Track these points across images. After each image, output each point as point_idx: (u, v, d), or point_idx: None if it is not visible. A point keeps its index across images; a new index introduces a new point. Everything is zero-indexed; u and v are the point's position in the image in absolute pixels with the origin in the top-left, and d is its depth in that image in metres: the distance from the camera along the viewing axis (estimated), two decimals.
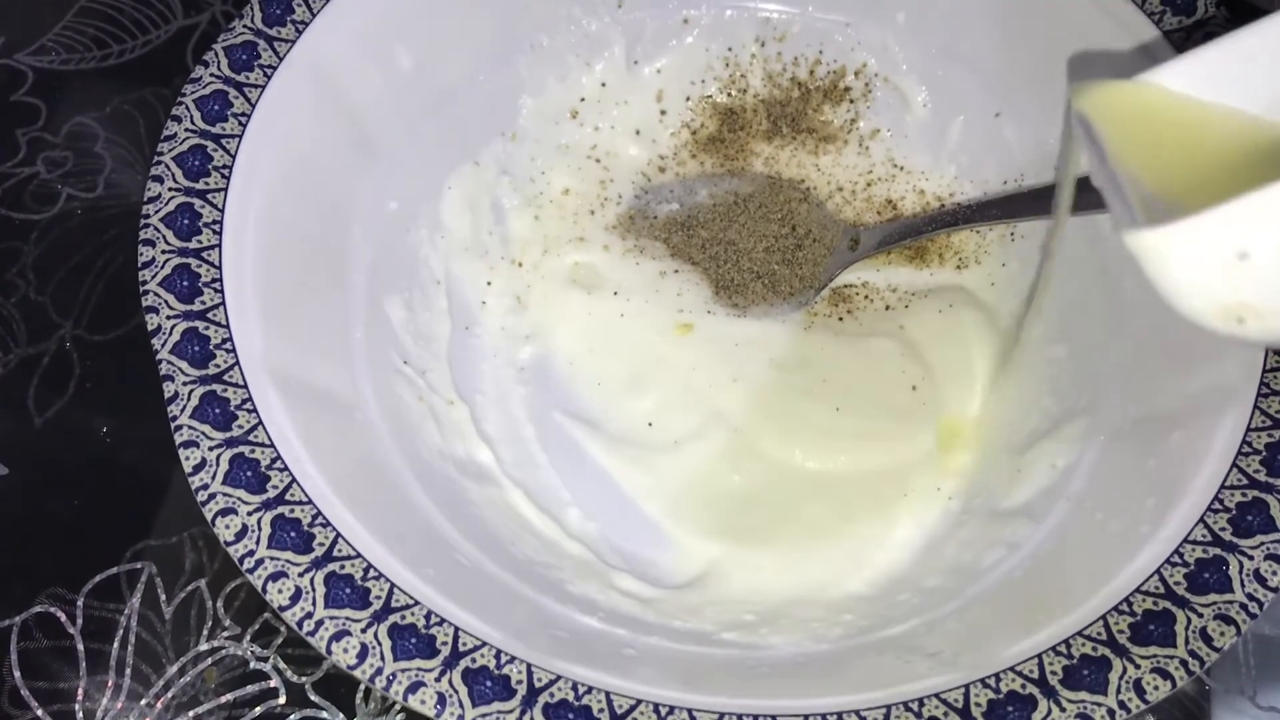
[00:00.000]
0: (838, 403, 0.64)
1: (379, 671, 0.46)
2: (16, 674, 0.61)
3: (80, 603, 0.63)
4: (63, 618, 0.62)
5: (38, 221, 0.75)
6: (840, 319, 0.68)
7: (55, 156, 0.77)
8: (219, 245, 0.55)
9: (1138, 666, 0.46)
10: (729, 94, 0.74)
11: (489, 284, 0.69)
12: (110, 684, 0.61)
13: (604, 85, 0.72)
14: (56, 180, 0.76)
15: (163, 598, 0.63)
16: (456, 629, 0.47)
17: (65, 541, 0.65)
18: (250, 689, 0.60)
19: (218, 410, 0.51)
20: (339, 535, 0.49)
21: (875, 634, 0.54)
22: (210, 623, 0.62)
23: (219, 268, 0.54)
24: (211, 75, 0.58)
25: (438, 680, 0.46)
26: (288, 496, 0.49)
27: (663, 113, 0.74)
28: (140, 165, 0.76)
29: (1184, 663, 0.46)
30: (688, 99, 0.74)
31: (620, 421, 0.65)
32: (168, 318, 0.53)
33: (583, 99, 0.72)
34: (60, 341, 0.70)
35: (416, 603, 0.48)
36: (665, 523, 0.62)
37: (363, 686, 0.59)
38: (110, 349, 0.70)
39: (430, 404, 0.63)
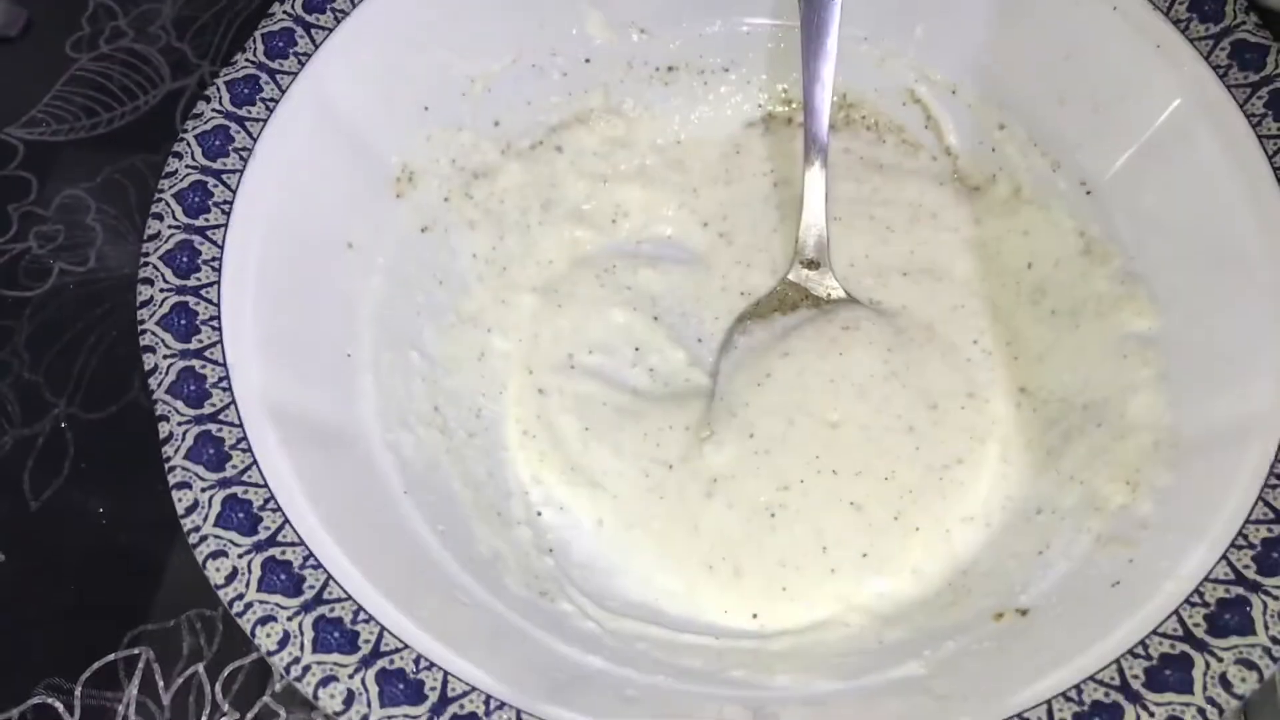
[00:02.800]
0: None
1: (365, 718, 0.45)
2: None
3: (78, 692, 0.62)
4: (60, 708, 0.62)
5: (30, 298, 0.75)
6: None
7: (47, 231, 0.77)
8: (218, 282, 0.55)
9: (1152, 715, 0.44)
10: None
11: (504, 302, 0.69)
12: None
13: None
14: (48, 255, 0.76)
15: (160, 684, 0.62)
16: (446, 674, 0.47)
17: (63, 628, 0.65)
18: None
19: (212, 450, 0.50)
20: (330, 577, 0.48)
21: (884, 674, 0.52)
22: (209, 708, 0.62)
23: (218, 305, 0.54)
24: (213, 110, 0.58)
25: None
26: (280, 538, 0.49)
27: None
28: (132, 236, 0.76)
29: (1201, 711, 0.44)
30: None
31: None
32: (164, 357, 0.52)
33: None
34: (55, 421, 0.70)
35: (406, 646, 0.47)
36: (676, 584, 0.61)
37: None
38: (105, 427, 0.70)
39: (449, 435, 0.63)
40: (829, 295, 0.68)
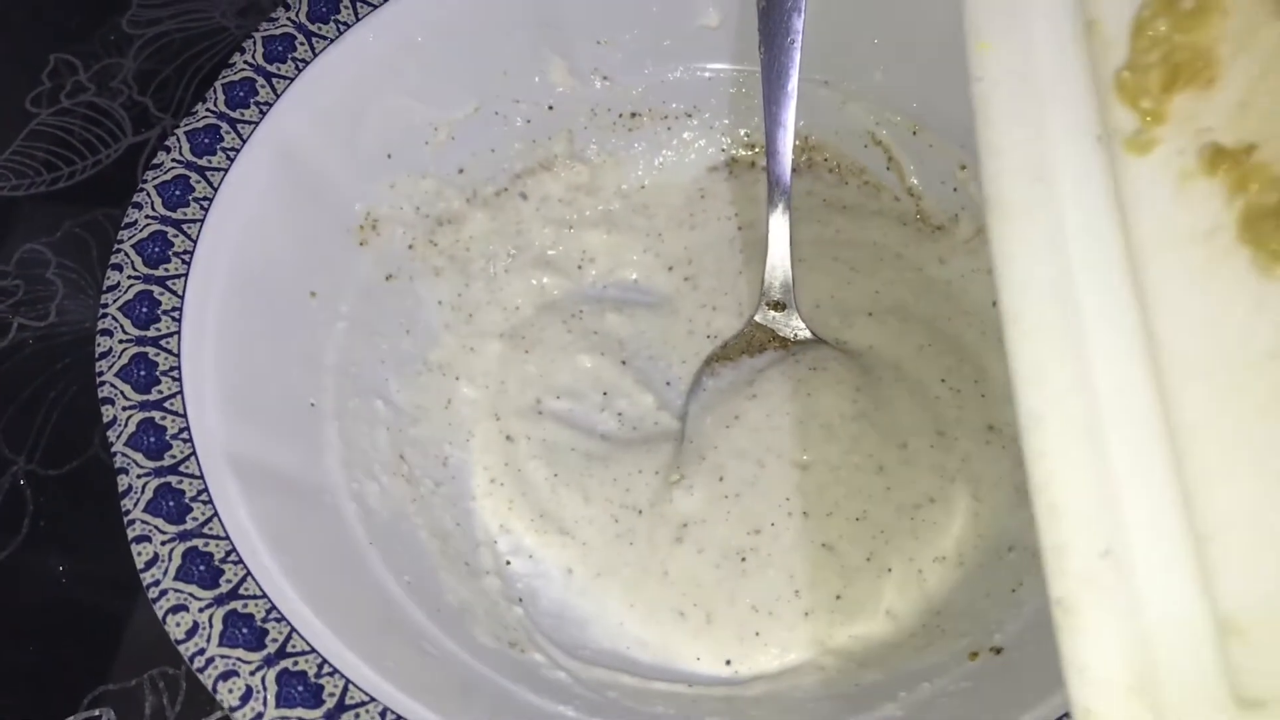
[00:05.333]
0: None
1: None
2: None
3: None
4: None
5: None
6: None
7: (6, 286, 0.76)
8: (178, 332, 0.54)
9: None
10: None
11: (471, 349, 0.68)
12: None
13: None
14: (8, 310, 0.75)
15: None
16: None
17: (22, 690, 0.63)
18: None
19: (172, 503, 0.50)
20: (294, 630, 0.47)
21: (860, 717, 0.52)
22: None
23: (178, 355, 0.53)
24: (173, 160, 0.58)
25: None
26: (242, 591, 0.48)
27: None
28: (92, 290, 0.76)
29: None
30: None
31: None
32: (124, 409, 0.52)
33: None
34: (14, 478, 0.69)
35: (373, 699, 0.46)
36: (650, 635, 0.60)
37: None
38: (65, 483, 0.69)
39: (415, 484, 0.62)
40: (795, 336, 0.67)
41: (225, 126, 0.59)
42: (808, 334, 0.67)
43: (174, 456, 0.51)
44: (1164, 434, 0.37)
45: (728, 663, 0.58)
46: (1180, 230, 0.40)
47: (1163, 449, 0.37)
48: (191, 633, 0.47)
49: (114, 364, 0.53)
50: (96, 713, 0.62)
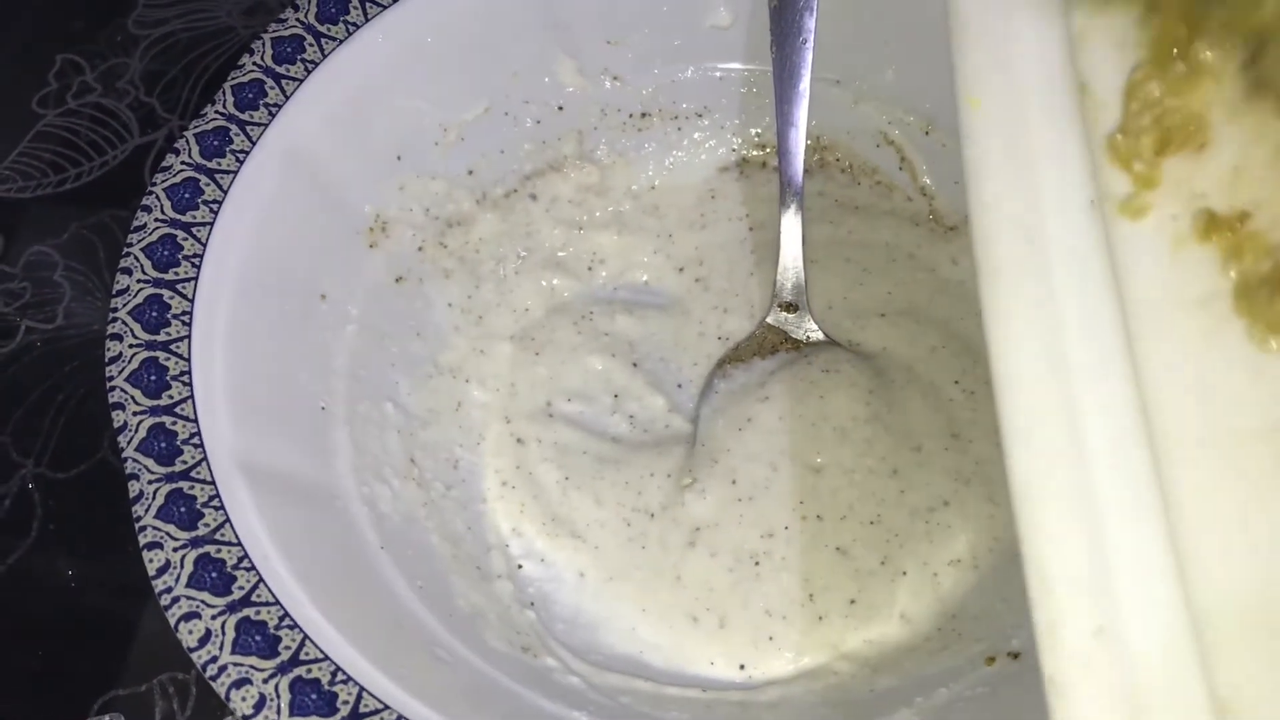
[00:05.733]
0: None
1: None
2: None
3: None
4: None
5: None
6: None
7: (14, 288, 0.76)
8: (188, 336, 0.54)
9: None
10: None
11: (481, 351, 0.68)
12: None
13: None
14: (15, 313, 0.75)
15: None
16: None
17: (31, 695, 0.63)
18: None
19: (183, 509, 0.49)
20: (306, 637, 0.47)
21: None
22: None
23: (188, 359, 0.53)
24: (182, 163, 0.58)
25: None
26: (254, 598, 0.48)
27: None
28: (100, 292, 0.75)
29: None
30: None
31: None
32: (134, 414, 0.51)
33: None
34: (22, 481, 0.69)
35: (386, 707, 0.46)
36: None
37: None
38: (74, 486, 0.69)
39: (426, 488, 0.62)
40: (808, 338, 0.67)
41: (234, 129, 0.59)
42: (820, 336, 0.67)
43: (185, 462, 0.50)
44: (1159, 507, 0.37)
45: (741, 667, 0.58)
46: (1175, 297, 0.39)
47: (1158, 523, 0.37)
48: (204, 640, 0.46)
49: (124, 369, 0.52)
50: (107, 717, 0.61)
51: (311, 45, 0.61)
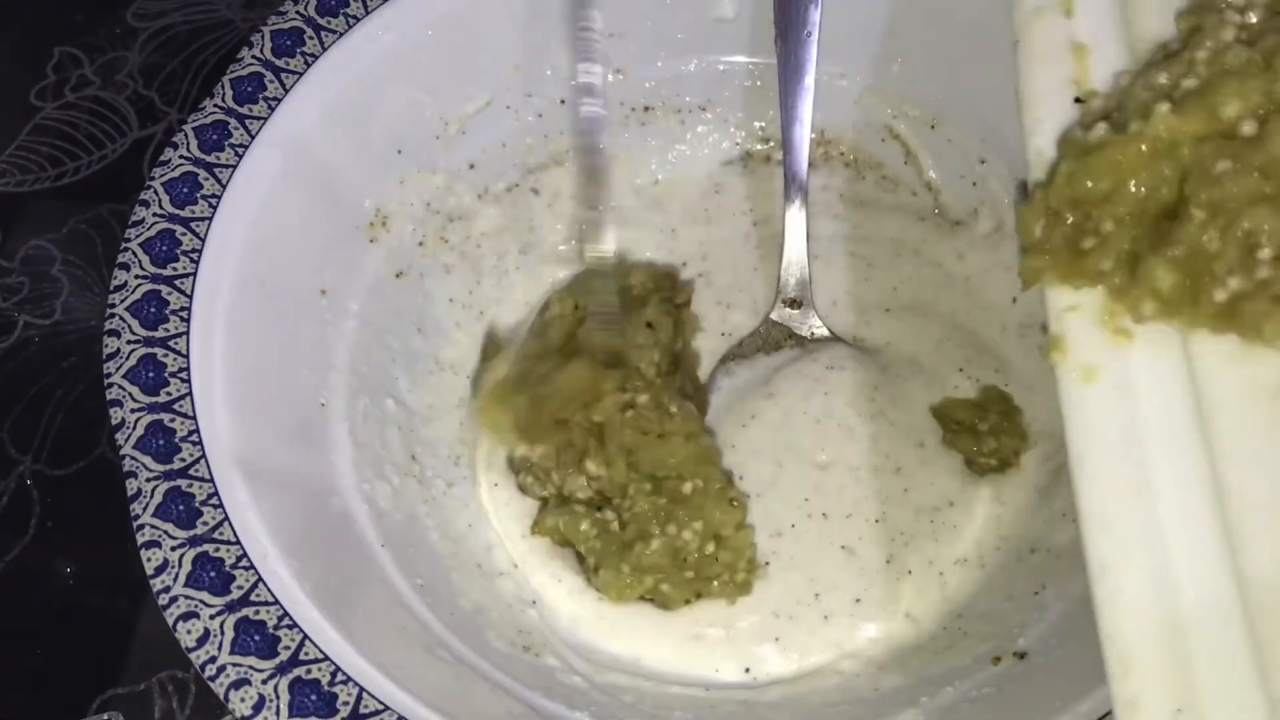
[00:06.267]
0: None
1: None
2: None
3: None
4: None
5: None
6: None
7: (11, 283, 0.75)
8: (187, 333, 0.53)
9: None
10: None
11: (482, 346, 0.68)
12: None
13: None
14: (13, 308, 0.74)
15: None
16: None
17: (29, 693, 0.62)
18: None
19: (181, 507, 0.49)
20: (306, 637, 0.47)
21: None
22: None
23: (186, 356, 0.53)
24: (181, 157, 0.57)
25: None
26: (253, 597, 0.47)
27: None
28: (98, 287, 0.75)
29: None
30: None
31: None
32: (132, 411, 0.51)
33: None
34: (20, 478, 0.68)
35: (387, 708, 0.45)
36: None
37: None
38: (72, 483, 0.68)
39: (427, 485, 0.61)
40: (812, 334, 0.67)
41: (234, 123, 0.58)
42: (825, 332, 0.66)
43: (183, 460, 0.50)
44: (1235, 589, 0.37)
45: (746, 670, 0.58)
46: (1251, 382, 0.39)
47: (1235, 605, 0.36)
48: (202, 640, 0.46)
49: (122, 365, 0.52)
50: (105, 716, 0.61)
51: (311, 38, 0.60)
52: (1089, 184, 0.42)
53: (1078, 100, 0.45)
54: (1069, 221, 0.43)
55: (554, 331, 0.64)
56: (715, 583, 0.58)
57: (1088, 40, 0.47)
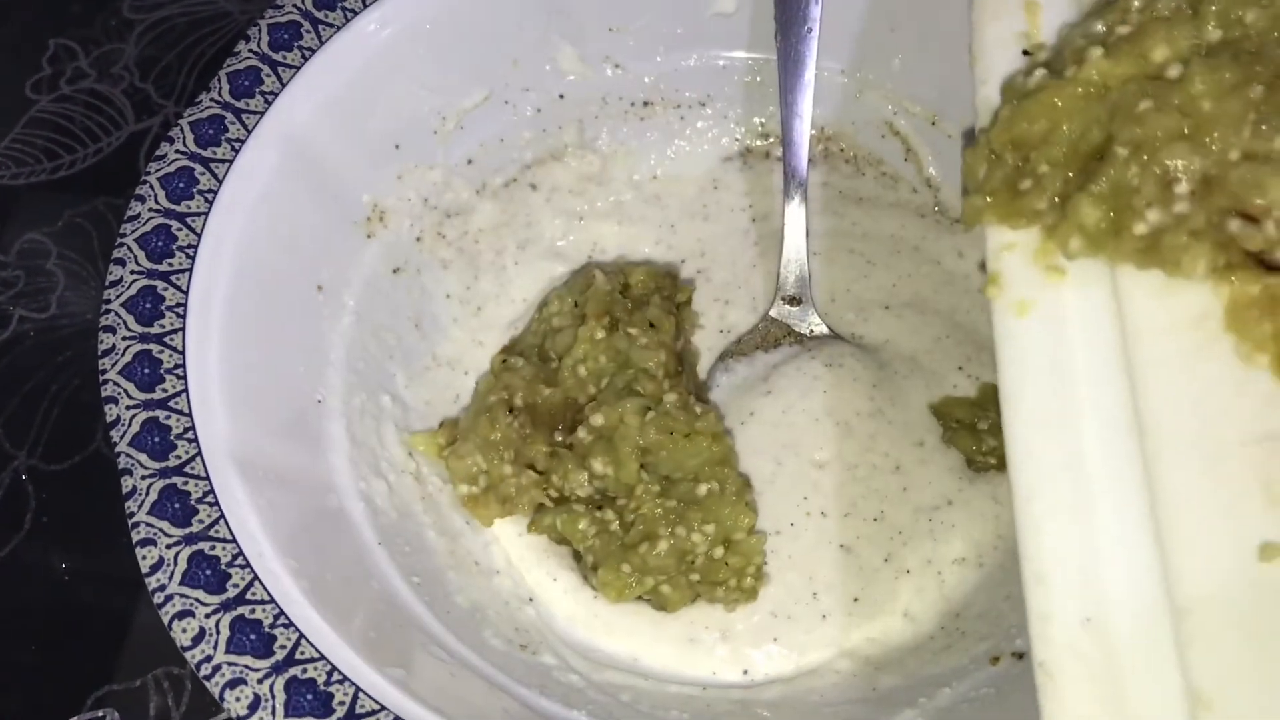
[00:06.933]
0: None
1: None
2: None
3: None
4: None
5: None
6: None
7: (7, 277, 0.74)
8: (183, 329, 0.53)
9: None
10: None
11: (480, 343, 0.67)
12: None
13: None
14: (8, 302, 0.74)
15: None
16: None
17: (24, 690, 0.62)
18: None
19: (177, 505, 0.48)
20: (302, 635, 0.46)
21: None
22: None
23: (182, 352, 0.52)
24: (177, 151, 0.57)
25: None
26: (249, 595, 0.47)
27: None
28: (94, 281, 0.74)
29: None
30: None
31: None
32: (127, 408, 0.50)
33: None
34: (15, 473, 0.68)
35: (383, 708, 0.45)
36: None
37: None
38: (67, 478, 0.68)
39: (424, 483, 0.61)
40: (811, 331, 0.66)
41: (230, 117, 0.58)
42: (824, 329, 0.66)
43: (179, 457, 0.50)
44: (1149, 511, 0.39)
45: (745, 672, 0.57)
46: (1172, 314, 0.41)
47: (1147, 525, 0.38)
48: (198, 639, 0.46)
49: (117, 361, 0.52)
50: (100, 713, 0.61)
51: (309, 32, 0.60)
52: (1026, 126, 0.44)
53: (1025, 53, 0.47)
54: (1008, 164, 0.44)
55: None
56: (720, 588, 0.58)
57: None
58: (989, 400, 0.63)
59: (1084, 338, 0.41)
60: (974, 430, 0.62)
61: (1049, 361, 0.41)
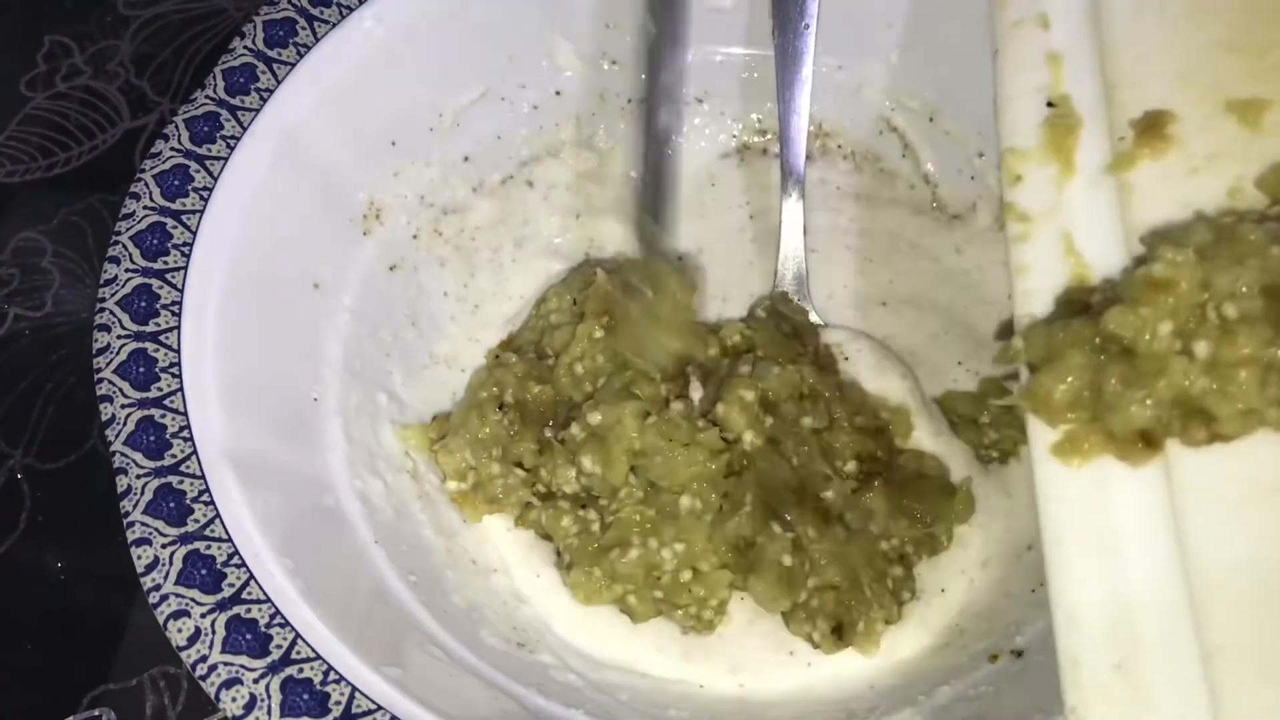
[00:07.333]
0: None
1: None
2: None
3: None
4: None
5: None
6: None
7: (1, 275, 0.74)
8: (178, 327, 0.53)
9: None
10: None
11: (477, 341, 0.67)
12: None
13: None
14: (3, 300, 0.73)
15: None
16: None
17: (19, 690, 0.62)
18: None
19: (172, 504, 0.48)
20: (298, 635, 0.46)
21: None
22: None
23: (178, 351, 0.52)
24: (172, 149, 0.56)
25: None
26: (244, 595, 0.47)
27: None
28: (89, 279, 0.74)
29: None
30: None
31: None
32: (122, 406, 0.50)
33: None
34: (10, 472, 0.68)
35: (380, 708, 0.45)
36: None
37: None
38: (63, 477, 0.68)
39: (420, 481, 0.61)
40: None
41: (225, 114, 0.58)
42: (821, 325, 0.66)
43: (174, 456, 0.50)
44: (1179, 557, 0.39)
45: (740, 685, 0.57)
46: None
47: (1177, 570, 0.39)
48: (194, 639, 0.46)
49: (112, 360, 0.51)
50: (96, 713, 0.61)
51: (304, 28, 0.60)
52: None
53: (1050, 105, 0.48)
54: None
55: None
56: (680, 611, 0.57)
57: (1063, 49, 0.49)
58: (989, 394, 0.63)
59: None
60: (976, 424, 0.62)
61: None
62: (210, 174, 0.56)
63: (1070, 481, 0.42)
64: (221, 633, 0.46)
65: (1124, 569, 0.39)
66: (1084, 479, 0.42)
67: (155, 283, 0.53)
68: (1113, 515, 0.41)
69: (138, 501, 0.48)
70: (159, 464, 0.49)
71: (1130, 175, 0.46)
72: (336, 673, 0.46)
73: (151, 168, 0.56)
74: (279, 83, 0.59)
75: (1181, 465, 0.41)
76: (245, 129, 0.58)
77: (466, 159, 0.67)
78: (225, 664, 0.45)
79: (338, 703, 0.45)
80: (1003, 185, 0.49)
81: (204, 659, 0.45)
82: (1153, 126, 0.46)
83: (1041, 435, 0.43)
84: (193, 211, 0.55)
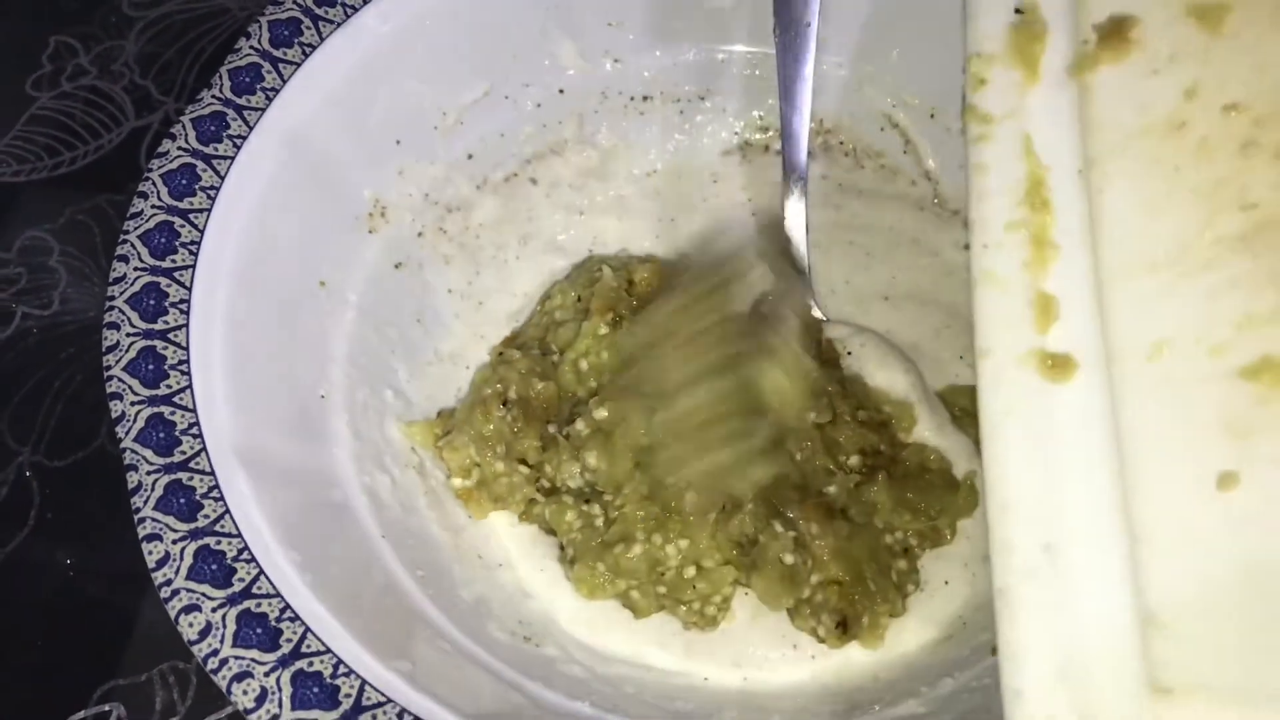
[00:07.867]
0: None
1: None
2: None
3: None
4: None
5: None
6: None
7: (9, 274, 0.75)
8: (186, 325, 0.53)
9: None
10: None
11: (482, 337, 0.67)
12: None
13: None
14: (10, 299, 0.74)
15: None
16: None
17: (29, 685, 0.62)
18: None
19: (183, 500, 0.49)
20: (308, 629, 0.47)
21: (881, 713, 0.51)
22: None
23: (186, 348, 0.53)
24: (179, 148, 0.57)
25: None
26: (255, 589, 0.47)
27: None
28: (96, 277, 0.74)
29: None
30: None
31: None
32: (132, 404, 0.51)
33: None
34: (19, 469, 0.68)
35: (389, 700, 0.46)
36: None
37: None
38: (71, 474, 0.68)
39: (427, 477, 0.61)
40: None
41: (231, 113, 0.58)
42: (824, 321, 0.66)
43: (184, 452, 0.50)
44: (1112, 440, 0.40)
45: (744, 680, 0.58)
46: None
47: (1109, 456, 0.39)
48: (205, 633, 0.46)
49: (121, 358, 0.52)
50: (106, 708, 0.61)
51: (309, 28, 0.60)
52: None
53: (1018, 11, 0.48)
54: None
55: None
56: (683, 607, 0.57)
57: None
58: None
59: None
60: (978, 418, 0.62)
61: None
62: (217, 173, 0.57)
63: (1010, 367, 0.42)
64: (232, 627, 0.46)
65: (1057, 457, 0.40)
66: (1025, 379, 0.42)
67: (163, 281, 0.54)
68: (1051, 402, 0.41)
69: (148, 498, 0.49)
70: (169, 460, 0.50)
71: (1091, 77, 0.47)
72: (346, 666, 0.46)
73: (159, 167, 0.56)
74: (284, 82, 0.59)
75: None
76: (251, 128, 0.58)
77: (470, 157, 0.68)
78: (236, 658, 0.46)
79: (348, 695, 0.45)
80: (966, 89, 0.49)
81: (215, 653, 0.46)
82: (1116, 30, 0.46)
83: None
84: (200, 210, 0.56)
